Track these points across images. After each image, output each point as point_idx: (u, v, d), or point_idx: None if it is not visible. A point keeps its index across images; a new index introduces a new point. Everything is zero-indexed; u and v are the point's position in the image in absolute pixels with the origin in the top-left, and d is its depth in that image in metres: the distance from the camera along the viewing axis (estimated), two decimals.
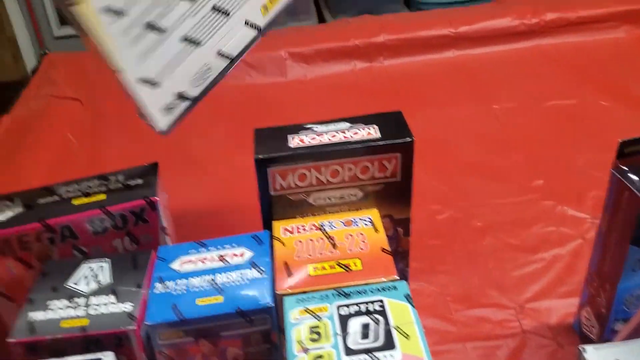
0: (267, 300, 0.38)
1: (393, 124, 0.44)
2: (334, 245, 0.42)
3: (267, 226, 0.45)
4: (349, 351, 0.34)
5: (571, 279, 0.55)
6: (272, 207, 0.45)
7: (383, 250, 0.41)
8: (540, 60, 0.93)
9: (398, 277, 0.39)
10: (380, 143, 0.43)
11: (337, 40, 0.97)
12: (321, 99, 0.91)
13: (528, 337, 0.50)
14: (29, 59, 2.61)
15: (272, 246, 0.42)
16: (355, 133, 0.44)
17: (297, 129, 0.45)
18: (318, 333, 0.35)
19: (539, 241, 0.60)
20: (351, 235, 0.42)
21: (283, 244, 0.42)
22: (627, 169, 0.41)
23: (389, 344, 0.34)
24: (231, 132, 0.82)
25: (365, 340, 0.34)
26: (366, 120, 0.45)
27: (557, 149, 0.73)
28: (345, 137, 0.44)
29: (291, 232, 0.43)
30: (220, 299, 0.38)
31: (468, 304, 0.53)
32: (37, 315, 0.37)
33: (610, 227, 0.43)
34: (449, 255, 0.59)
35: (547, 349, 0.49)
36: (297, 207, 0.45)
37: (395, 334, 0.35)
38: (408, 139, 0.43)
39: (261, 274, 0.40)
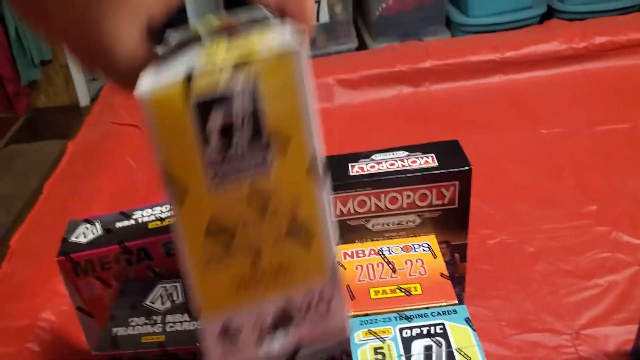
0: None
1: (450, 153, 0.46)
2: (394, 270, 0.43)
3: None
4: None
5: (628, 305, 0.54)
6: None
7: (442, 275, 0.43)
8: (589, 85, 0.93)
9: (457, 302, 0.40)
10: (438, 172, 0.44)
11: (383, 66, 1.00)
12: (368, 123, 0.94)
13: None
14: (80, 85, 2.74)
15: None
16: (414, 162, 0.46)
17: (357, 157, 0.47)
18: (382, 354, 0.37)
19: (593, 267, 0.60)
20: (410, 261, 0.44)
21: (344, 267, 0.44)
22: None
23: None
24: None
25: None
26: (424, 149, 0.47)
27: (609, 174, 0.73)
28: (403, 165, 0.46)
29: (351, 257, 0.45)
30: None
31: (523, 329, 0.54)
32: (119, 331, 0.40)
33: None
34: (502, 280, 0.60)
35: None
36: (356, 232, 0.47)
37: (457, 356, 0.36)
38: (466, 168, 0.44)
39: None
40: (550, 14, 2.12)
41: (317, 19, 2.21)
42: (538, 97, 0.92)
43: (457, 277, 0.49)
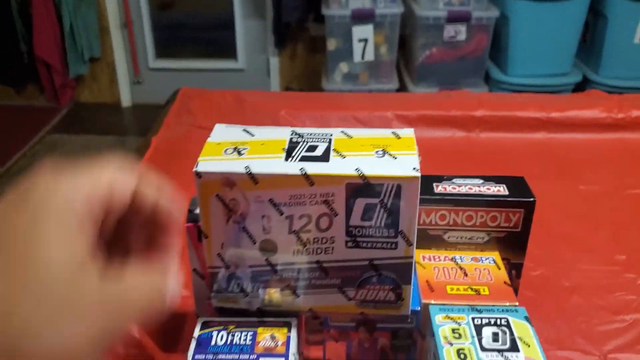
0: (416, 305, 0.49)
1: (518, 186, 0.56)
2: (465, 274, 0.53)
3: None
4: (484, 349, 0.44)
5: None
6: None
7: (505, 283, 0.52)
8: (623, 152, 1.03)
9: (517, 303, 0.49)
10: (510, 199, 0.54)
11: (439, 109, 1.11)
12: (423, 158, 1.04)
13: None
14: (123, 85, 2.88)
15: (415, 268, 0.54)
16: (488, 189, 0.56)
17: (441, 179, 0.57)
18: (459, 334, 0.46)
19: (621, 305, 0.68)
20: (479, 269, 0.53)
21: (423, 267, 0.54)
22: None
23: (514, 348, 0.44)
24: None
25: (496, 344, 0.45)
26: (496, 179, 0.57)
27: (638, 231, 0.82)
28: (479, 190, 0.55)
29: (429, 260, 0.55)
30: None
31: (558, 346, 0.63)
32: None
33: None
34: (542, 305, 0.69)
35: None
36: (433, 241, 0.56)
37: (519, 342, 0.45)
38: (531, 199, 0.54)
39: None
40: (584, 83, 2.23)
41: (363, 57, 2.34)
42: (577, 156, 1.02)
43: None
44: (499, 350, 0.44)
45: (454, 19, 2.20)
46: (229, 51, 2.90)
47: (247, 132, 0.47)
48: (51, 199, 0.26)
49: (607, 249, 0.78)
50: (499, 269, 0.54)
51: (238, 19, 2.83)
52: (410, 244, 0.45)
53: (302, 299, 0.48)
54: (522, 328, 0.46)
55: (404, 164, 0.44)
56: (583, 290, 0.70)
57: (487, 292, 0.51)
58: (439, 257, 0.55)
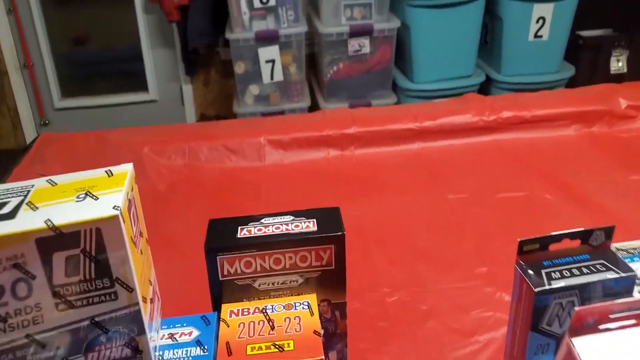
0: None
1: (330, 219, 0.51)
2: (272, 327, 0.47)
3: (217, 307, 0.50)
4: None
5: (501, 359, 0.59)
6: (222, 291, 0.51)
7: (315, 332, 0.47)
8: (496, 154, 1.01)
9: (323, 357, 0.44)
10: (317, 236, 0.49)
11: (313, 130, 1.06)
12: (296, 182, 0.99)
13: None
14: (29, 128, 2.74)
15: (218, 326, 0.48)
16: (297, 226, 0.50)
17: (248, 220, 0.52)
18: None
19: (476, 325, 0.65)
20: (289, 318, 0.48)
21: (227, 325, 0.48)
22: (525, 264, 0.47)
23: None
24: (208, 214, 0.89)
25: None
26: (307, 214, 0.52)
27: (502, 239, 0.79)
28: (287, 229, 0.50)
29: (236, 315, 0.49)
30: None
31: None
32: None
33: (516, 316, 0.48)
34: (395, 337, 0.64)
35: None
36: (244, 292, 0.51)
37: None
38: (340, 233, 0.49)
39: (204, 352, 0.45)
40: (488, 83, 2.27)
41: (272, 78, 2.30)
42: (450, 163, 1.00)
43: (338, 333, 0.53)
44: None
45: (356, 33, 2.20)
46: (139, 84, 2.81)
47: None
48: None
49: (469, 262, 0.75)
50: (312, 314, 0.48)
51: (146, 50, 2.74)
52: (131, 290, 0.40)
53: None
54: None
55: (105, 204, 0.39)
56: (439, 313, 0.66)
57: (291, 347, 0.45)
58: (248, 309, 0.49)
